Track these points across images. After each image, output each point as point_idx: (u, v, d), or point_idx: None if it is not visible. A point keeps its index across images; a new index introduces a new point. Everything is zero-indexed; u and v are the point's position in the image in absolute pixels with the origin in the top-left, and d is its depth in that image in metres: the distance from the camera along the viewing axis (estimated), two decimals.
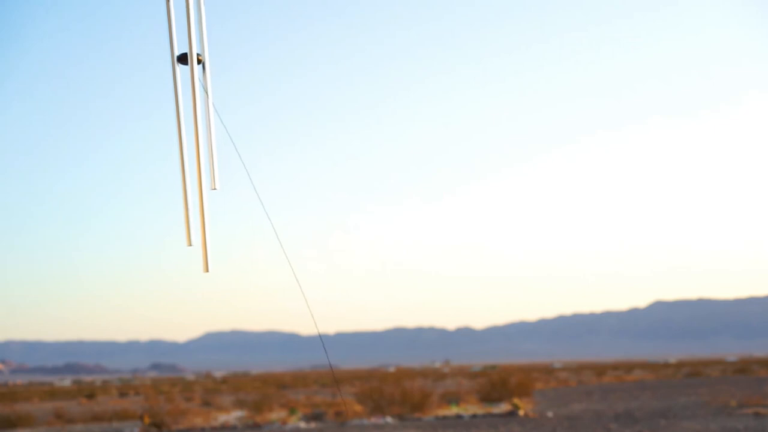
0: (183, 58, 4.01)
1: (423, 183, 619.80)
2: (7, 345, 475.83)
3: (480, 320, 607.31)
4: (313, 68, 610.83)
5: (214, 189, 4.04)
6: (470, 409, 27.80)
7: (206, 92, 4.05)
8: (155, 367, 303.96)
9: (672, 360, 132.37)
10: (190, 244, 3.80)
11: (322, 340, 4.22)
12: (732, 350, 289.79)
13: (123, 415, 31.24)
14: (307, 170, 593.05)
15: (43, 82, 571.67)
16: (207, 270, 3.91)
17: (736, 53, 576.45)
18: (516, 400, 27.07)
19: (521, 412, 24.70)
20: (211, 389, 59.86)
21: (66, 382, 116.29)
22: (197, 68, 4.01)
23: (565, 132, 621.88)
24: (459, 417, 24.74)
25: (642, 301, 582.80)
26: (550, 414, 24.51)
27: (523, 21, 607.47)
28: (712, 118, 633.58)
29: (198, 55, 4.03)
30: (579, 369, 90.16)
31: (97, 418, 31.12)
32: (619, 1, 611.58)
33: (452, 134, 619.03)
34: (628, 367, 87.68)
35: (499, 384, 31.71)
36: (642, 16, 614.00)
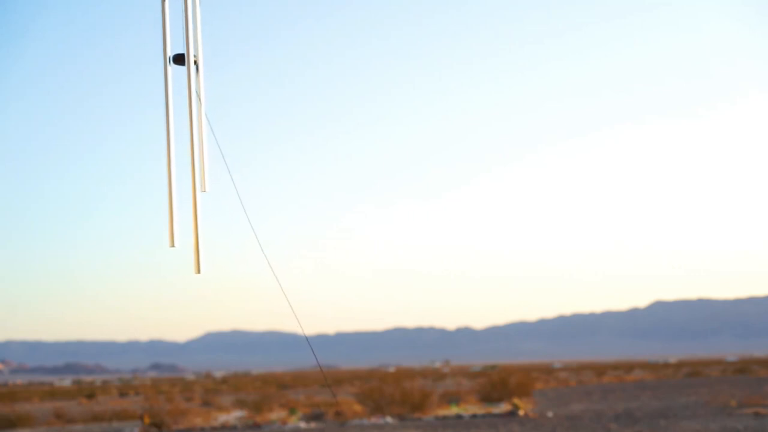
0: (177, 59, 4.01)
1: (423, 182, 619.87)
2: (7, 345, 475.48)
3: (480, 320, 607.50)
4: (310, 68, 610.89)
5: (204, 191, 4.05)
6: (470, 409, 27.81)
7: (198, 94, 4.06)
8: (155, 367, 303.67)
9: (672, 360, 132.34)
10: (173, 245, 3.82)
11: (309, 341, 4.23)
12: (732, 350, 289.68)
13: (123, 415, 31.25)
14: (306, 170, 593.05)
15: (42, 81, 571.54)
16: (199, 271, 3.92)
17: (735, 52, 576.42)
18: (516, 400, 27.08)
19: (521, 412, 24.70)
20: (211, 389, 59.85)
21: (66, 382, 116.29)
22: (192, 69, 4.02)
23: (565, 131, 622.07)
24: (459, 417, 24.74)
25: (642, 301, 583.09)
26: (550, 414, 24.51)
27: (518, 20, 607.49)
28: (711, 118, 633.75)
29: (193, 56, 4.04)
30: (579, 369, 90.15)
31: (97, 418, 31.13)
32: (617, 0, 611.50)
33: (452, 133, 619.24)
34: (628, 367, 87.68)
35: (499, 384, 31.72)
36: (639, 15, 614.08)
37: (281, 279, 4.35)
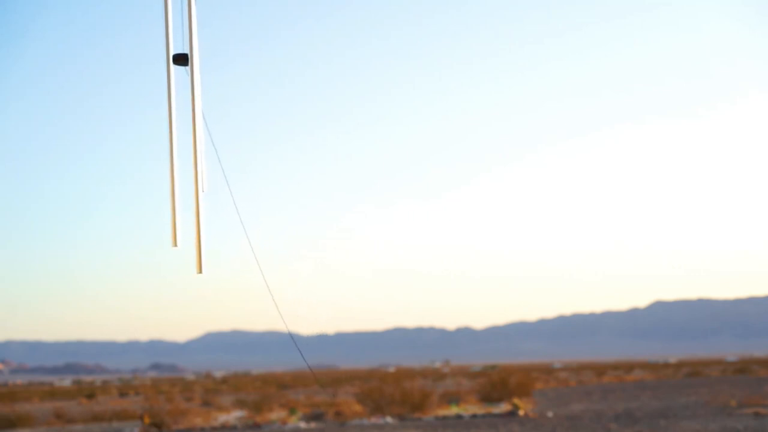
0: (176, 59, 4.02)
1: (423, 182, 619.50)
2: (7, 345, 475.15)
3: (480, 320, 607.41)
4: (310, 68, 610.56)
5: (203, 191, 4.06)
6: (470, 409, 27.81)
7: (195, 95, 4.07)
8: (155, 367, 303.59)
9: (672, 360, 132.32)
10: (176, 245, 3.83)
11: (293, 339, 4.24)
12: (732, 350, 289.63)
13: (123, 415, 31.26)
14: (306, 170, 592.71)
15: (42, 81, 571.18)
16: (201, 271, 3.93)
17: (735, 52, 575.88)
18: (516, 400, 27.08)
19: (521, 412, 24.70)
20: (211, 389, 59.87)
21: (66, 382, 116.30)
22: (188, 69, 4.03)
23: (565, 131, 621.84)
24: (459, 417, 24.74)
25: (642, 301, 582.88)
26: (550, 414, 24.51)
27: (518, 20, 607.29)
28: (711, 118, 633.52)
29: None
30: (579, 369, 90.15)
31: (97, 418, 31.14)
32: (617, 0, 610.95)
33: (452, 133, 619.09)
34: (628, 367, 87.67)
35: (499, 384, 31.72)
36: (639, 15, 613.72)
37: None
